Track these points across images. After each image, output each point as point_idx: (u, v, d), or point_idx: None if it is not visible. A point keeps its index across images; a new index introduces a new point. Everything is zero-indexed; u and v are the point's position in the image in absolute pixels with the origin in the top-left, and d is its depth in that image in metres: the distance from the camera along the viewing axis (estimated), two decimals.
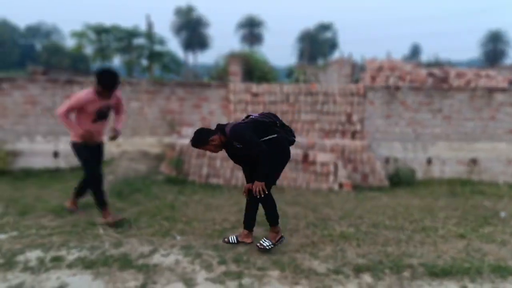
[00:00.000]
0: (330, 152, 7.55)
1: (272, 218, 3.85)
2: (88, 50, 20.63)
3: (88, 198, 4.90)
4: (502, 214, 5.61)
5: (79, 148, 4.29)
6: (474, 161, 8.39)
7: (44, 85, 8.19)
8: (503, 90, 8.65)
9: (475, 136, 8.47)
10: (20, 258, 3.57)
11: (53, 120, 8.18)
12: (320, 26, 59.40)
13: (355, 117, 8.31)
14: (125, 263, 3.51)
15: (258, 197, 3.66)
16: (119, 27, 19.63)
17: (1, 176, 7.35)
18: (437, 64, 19.39)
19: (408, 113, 8.44)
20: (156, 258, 3.64)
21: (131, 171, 7.20)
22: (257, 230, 4.10)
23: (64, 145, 8.10)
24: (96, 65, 22.80)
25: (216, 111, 8.42)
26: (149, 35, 21.14)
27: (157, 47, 20.62)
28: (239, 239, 4.00)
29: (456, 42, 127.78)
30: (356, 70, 16.16)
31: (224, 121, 8.31)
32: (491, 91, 8.53)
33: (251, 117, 3.82)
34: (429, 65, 17.37)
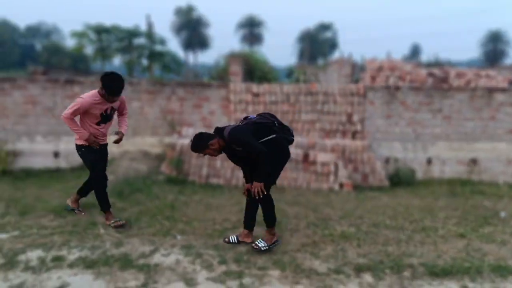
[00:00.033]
0: (331, 152, 7.56)
1: (270, 219, 3.85)
2: (89, 50, 20.62)
3: (88, 198, 4.91)
4: (502, 214, 5.62)
5: (84, 150, 4.27)
6: (474, 161, 8.40)
7: (44, 85, 8.19)
8: (503, 90, 8.66)
9: (475, 136, 8.48)
10: (21, 257, 3.58)
11: (54, 120, 8.19)
12: (320, 26, 59.35)
13: (355, 117, 8.32)
14: (126, 262, 3.52)
15: (257, 197, 3.67)
16: (119, 27, 19.61)
17: (1, 176, 7.35)
18: (437, 64, 19.39)
19: (408, 113, 8.44)
20: (157, 258, 3.65)
21: (131, 171, 7.21)
22: (257, 230, 4.11)
23: (65, 145, 8.11)
24: (97, 65, 22.82)
25: (217, 111, 8.42)
26: (150, 35, 21.14)
27: (158, 47, 20.61)
28: (240, 238, 4.01)
29: (456, 42, 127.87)
30: (356, 70, 16.17)
31: (224, 121, 8.34)
32: (491, 91, 8.54)
33: (249, 118, 3.82)
34: (429, 65, 17.38)
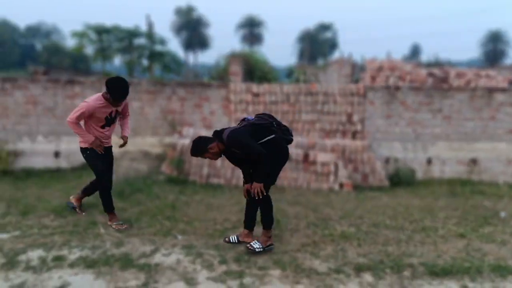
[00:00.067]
0: (331, 152, 7.56)
1: (267, 220, 3.86)
2: (89, 50, 20.61)
3: (89, 198, 4.92)
4: (502, 214, 5.63)
5: (88, 153, 4.27)
6: (474, 161, 8.41)
7: (45, 85, 8.21)
8: (503, 90, 8.66)
9: (475, 136, 8.49)
10: (22, 257, 3.59)
11: (54, 120, 8.20)
12: (320, 26, 59.35)
13: (355, 117, 8.33)
14: (127, 262, 3.53)
15: (256, 198, 3.68)
16: (119, 27, 19.60)
17: (2, 176, 7.36)
18: (437, 64, 19.38)
19: (408, 113, 8.45)
20: (158, 258, 3.65)
21: (132, 171, 7.22)
22: (257, 230, 4.11)
23: (65, 145, 8.13)
24: (97, 65, 22.80)
25: (217, 111, 8.43)
26: (150, 35, 21.14)
27: (158, 47, 20.61)
28: (240, 238, 4.01)
29: (456, 42, 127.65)
30: (356, 70, 16.17)
31: (225, 121, 8.35)
32: (491, 91, 8.54)
33: (247, 119, 3.83)
34: (429, 65, 17.37)
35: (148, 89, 8.36)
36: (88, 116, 4.12)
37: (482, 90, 8.56)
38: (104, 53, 19.71)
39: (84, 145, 4.24)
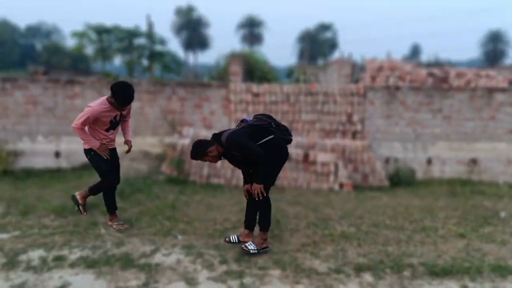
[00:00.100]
0: (331, 152, 7.57)
1: (265, 222, 3.85)
2: (89, 50, 20.60)
3: (90, 198, 4.91)
4: (502, 214, 5.63)
5: (93, 154, 4.25)
6: (474, 161, 8.41)
7: (45, 85, 8.21)
8: (503, 90, 8.67)
9: (475, 136, 8.49)
10: (23, 257, 3.59)
11: (54, 120, 8.21)
12: (320, 26, 59.33)
13: (355, 117, 8.33)
14: (127, 262, 3.54)
15: (256, 199, 3.68)
16: (119, 27, 19.59)
17: (2, 176, 7.37)
18: (437, 64, 19.39)
19: (408, 113, 8.46)
20: (158, 258, 3.66)
21: (132, 171, 7.22)
22: (258, 230, 4.12)
23: (66, 145, 8.14)
24: (97, 65, 22.79)
25: (217, 111, 8.44)
26: (150, 35, 21.13)
27: (158, 47, 20.59)
28: (240, 238, 4.02)
29: (456, 42, 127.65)
30: (356, 70, 16.18)
31: (225, 121, 8.36)
32: (491, 91, 8.55)
33: (245, 120, 3.83)
34: (429, 65, 17.38)
35: (148, 89, 8.36)
36: (92, 121, 4.12)
37: (482, 90, 8.57)
38: (104, 53, 19.70)
39: (87, 147, 4.23)
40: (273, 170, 3.77)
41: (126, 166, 7.40)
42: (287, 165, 3.93)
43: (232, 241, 4.02)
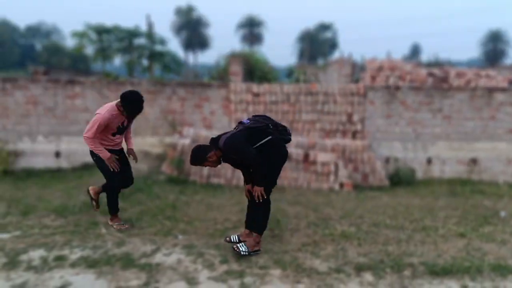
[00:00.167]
0: (331, 152, 7.57)
1: (260, 224, 3.84)
2: (89, 50, 20.62)
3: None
4: (502, 213, 5.64)
5: (99, 157, 4.24)
6: (474, 161, 8.42)
7: (45, 85, 8.21)
8: (503, 90, 8.67)
9: (475, 136, 8.50)
10: (24, 257, 3.60)
11: (55, 120, 8.21)
12: (320, 26, 59.36)
13: (355, 117, 8.34)
14: (128, 262, 3.54)
15: (257, 201, 3.69)
16: (119, 27, 19.61)
17: (3, 176, 7.38)
18: (437, 64, 19.40)
19: (408, 113, 8.46)
20: (159, 257, 3.66)
21: (132, 171, 7.21)
22: None
23: (66, 145, 8.14)
24: (97, 65, 22.80)
25: (217, 111, 8.44)
26: (150, 35, 21.15)
27: (158, 47, 20.62)
28: (241, 238, 4.01)
29: (456, 42, 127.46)
30: (356, 70, 16.19)
31: (225, 121, 8.36)
32: (491, 91, 8.55)
33: (242, 122, 3.83)
34: (429, 65, 17.39)
35: (148, 89, 8.36)
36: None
37: (482, 90, 8.57)
38: (104, 53, 19.73)
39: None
40: (273, 171, 3.77)
41: None
42: (287, 165, 3.93)
43: (232, 240, 4.01)
